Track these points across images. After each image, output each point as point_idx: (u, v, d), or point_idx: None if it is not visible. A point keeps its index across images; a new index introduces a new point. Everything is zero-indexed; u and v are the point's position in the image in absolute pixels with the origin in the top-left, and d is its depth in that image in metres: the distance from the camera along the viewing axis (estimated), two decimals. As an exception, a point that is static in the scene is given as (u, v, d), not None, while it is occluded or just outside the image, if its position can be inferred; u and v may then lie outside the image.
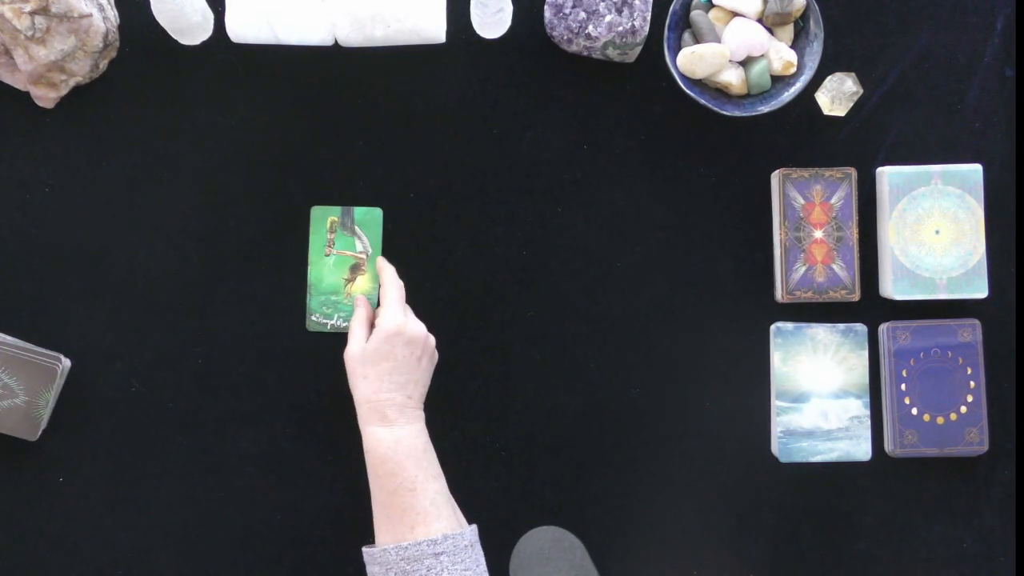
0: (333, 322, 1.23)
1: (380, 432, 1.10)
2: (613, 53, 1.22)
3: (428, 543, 1.05)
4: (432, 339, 1.17)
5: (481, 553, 1.09)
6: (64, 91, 1.22)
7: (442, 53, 1.24)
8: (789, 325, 1.22)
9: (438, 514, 1.07)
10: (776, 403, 1.21)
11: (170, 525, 1.22)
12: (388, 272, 1.20)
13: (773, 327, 1.22)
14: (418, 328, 1.15)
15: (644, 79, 1.25)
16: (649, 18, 1.20)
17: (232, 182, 1.24)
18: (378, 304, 1.20)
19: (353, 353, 1.13)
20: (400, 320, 1.14)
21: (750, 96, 1.22)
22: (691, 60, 1.19)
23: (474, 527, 1.10)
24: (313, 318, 1.23)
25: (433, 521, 1.07)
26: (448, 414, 1.23)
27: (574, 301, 1.24)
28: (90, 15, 1.18)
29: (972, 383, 1.21)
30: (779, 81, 1.22)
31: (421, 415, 1.14)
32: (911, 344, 1.21)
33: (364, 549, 1.08)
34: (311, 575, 1.22)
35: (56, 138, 1.23)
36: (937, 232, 1.21)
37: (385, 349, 1.12)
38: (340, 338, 1.23)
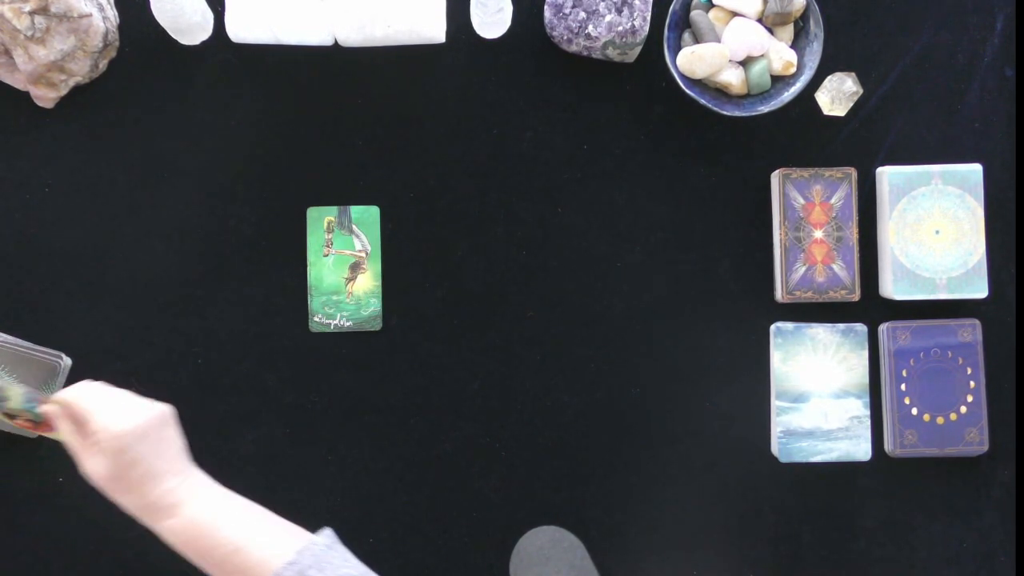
0: (336, 322, 1.23)
1: (173, 524, 0.96)
2: (613, 53, 1.22)
3: (287, 567, 0.92)
4: (156, 408, 0.99)
5: (342, 552, 0.95)
6: (64, 91, 1.22)
7: (442, 53, 1.24)
8: (789, 325, 1.22)
9: (273, 553, 0.93)
10: (776, 403, 1.21)
11: (170, 525, 1.22)
12: (71, 391, 1.00)
13: (773, 327, 1.22)
14: (140, 418, 0.97)
15: (644, 79, 1.25)
16: (649, 18, 1.20)
17: (232, 182, 1.24)
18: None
19: (95, 474, 0.97)
20: (119, 424, 0.96)
21: (750, 96, 1.22)
22: (691, 60, 1.19)
23: (326, 531, 0.97)
24: (316, 319, 1.23)
25: (271, 563, 0.92)
26: (448, 414, 1.23)
27: (574, 301, 1.24)
28: (90, 15, 1.18)
29: (972, 383, 1.21)
30: (779, 81, 1.22)
31: (192, 473, 0.99)
32: (911, 344, 1.21)
33: None
34: (311, 575, 1.22)
35: (56, 138, 1.23)
36: (937, 232, 1.21)
37: (126, 459, 0.95)
38: (343, 338, 1.23)
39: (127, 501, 0.97)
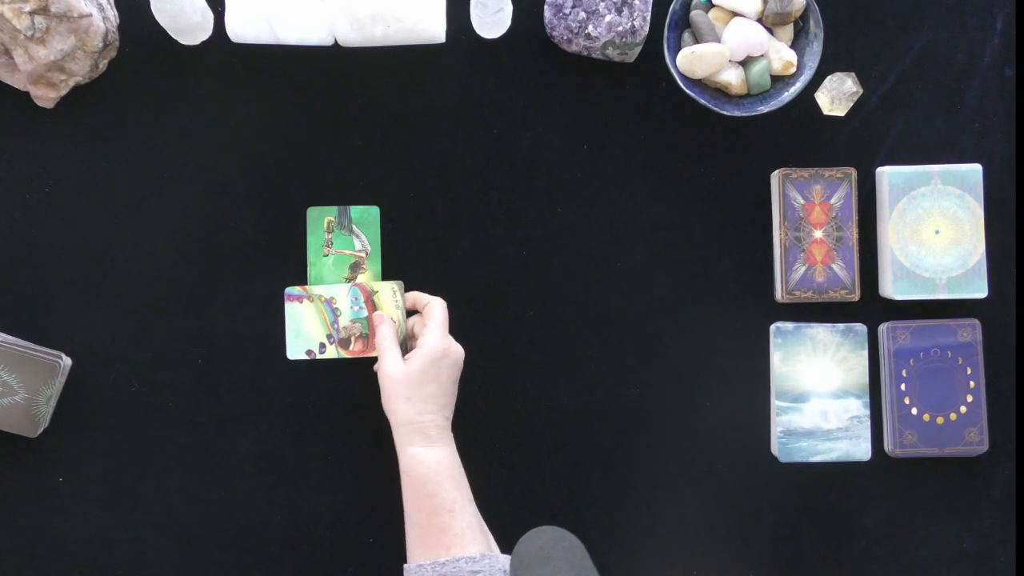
0: (333, 322, 1.23)
1: (422, 452, 1.09)
2: (613, 53, 1.22)
3: (466, 560, 1.04)
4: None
5: None
6: (64, 91, 1.22)
7: (442, 53, 1.24)
8: (789, 325, 1.22)
9: (473, 537, 1.07)
10: (776, 403, 1.21)
11: (170, 525, 1.22)
12: (431, 297, 1.19)
13: (773, 327, 1.22)
14: (460, 350, 1.15)
15: (644, 79, 1.25)
16: (649, 18, 1.20)
17: (232, 182, 1.24)
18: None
19: (393, 373, 1.12)
20: (446, 342, 1.13)
21: (750, 96, 1.22)
22: (691, 60, 1.19)
23: (507, 557, 1.07)
24: (313, 318, 1.23)
25: (469, 544, 1.06)
26: (448, 414, 1.23)
27: (574, 301, 1.24)
28: (90, 15, 1.18)
29: (972, 383, 1.21)
30: (779, 81, 1.22)
31: (451, 435, 1.14)
32: (911, 344, 1.21)
33: (404, 567, 1.08)
34: (311, 575, 1.22)
35: (56, 138, 1.23)
36: (937, 232, 1.21)
37: (431, 372, 1.11)
38: (340, 338, 1.23)
39: (408, 408, 1.10)
